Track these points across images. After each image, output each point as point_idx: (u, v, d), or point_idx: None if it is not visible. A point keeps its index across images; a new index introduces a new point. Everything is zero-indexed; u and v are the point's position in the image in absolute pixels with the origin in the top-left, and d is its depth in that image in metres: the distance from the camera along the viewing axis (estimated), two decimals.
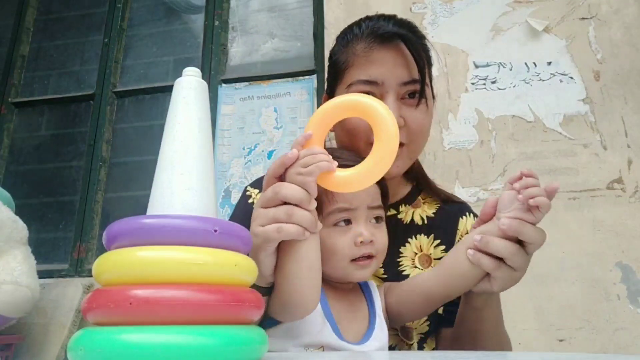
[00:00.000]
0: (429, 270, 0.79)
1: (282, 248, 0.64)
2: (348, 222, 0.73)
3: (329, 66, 0.91)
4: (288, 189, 0.60)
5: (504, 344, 0.80)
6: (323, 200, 0.72)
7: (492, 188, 1.91)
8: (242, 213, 0.89)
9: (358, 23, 0.87)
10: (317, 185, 0.64)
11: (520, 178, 0.65)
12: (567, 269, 1.77)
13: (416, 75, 0.81)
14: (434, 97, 0.90)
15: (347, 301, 0.76)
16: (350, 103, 0.65)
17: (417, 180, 0.96)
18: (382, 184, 0.77)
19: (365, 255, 0.73)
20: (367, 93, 0.78)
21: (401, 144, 0.79)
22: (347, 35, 0.86)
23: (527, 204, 0.62)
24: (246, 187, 0.96)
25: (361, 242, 0.71)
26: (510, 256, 0.65)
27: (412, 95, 0.82)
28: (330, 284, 0.76)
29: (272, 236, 0.60)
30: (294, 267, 0.63)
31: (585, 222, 1.81)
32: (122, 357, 0.35)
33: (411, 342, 0.86)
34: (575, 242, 1.79)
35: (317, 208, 0.67)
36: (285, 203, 0.61)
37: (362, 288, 0.81)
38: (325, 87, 0.93)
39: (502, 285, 0.69)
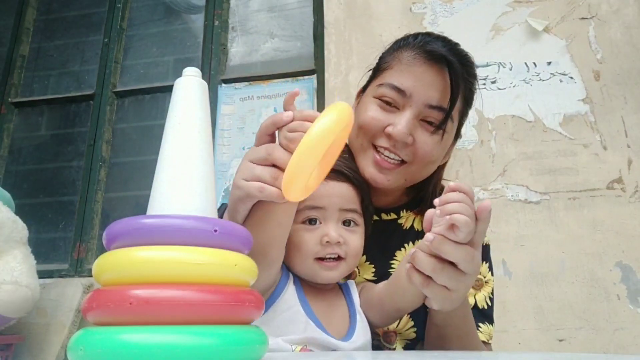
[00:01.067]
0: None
1: (259, 203, 0.63)
2: (315, 221, 0.73)
3: (376, 64, 0.89)
4: (280, 153, 0.58)
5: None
6: None
7: (492, 188, 1.91)
8: None
9: (416, 34, 0.85)
10: None
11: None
12: (567, 269, 1.77)
13: (445, 104, 0.78)
14: (458, 136, 0.87)
15: (326, 300, 0.77)
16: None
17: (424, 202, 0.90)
18: (362, 189, 0.78)
19: (333, 257, 0.73)
20: (390, 100, 0.79)
21: (403, 162, 0.79)
22: (402, 41, 0.85)
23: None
24: None
25: (327, 242, 0.72)
26: (434, 274, 0.60)
27: (432, 123, 0.79)
28: (309, 284, 0.76)
29: (253, 194, 0.58)
30: (266, 222, 0.63)
31: (585, 222, 1.81)
32: (122, 357, 0.35)
33: (393, 347, 0.86)
34: (575, 242, 1.79)
35: None
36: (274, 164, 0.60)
37: (342, 288, 0.81)
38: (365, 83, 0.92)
39: (439, 305, 0.64)
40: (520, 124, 1.97)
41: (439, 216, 0.58)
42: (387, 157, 0.79)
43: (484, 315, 0.87)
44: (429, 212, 0.62)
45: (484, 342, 0.85)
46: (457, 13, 2.16)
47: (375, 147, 0.80)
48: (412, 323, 0.86)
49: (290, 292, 0.74)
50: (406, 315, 0.84)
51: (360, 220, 0.77)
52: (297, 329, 0.70)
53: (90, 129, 2.59)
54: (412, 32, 0.88)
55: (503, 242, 1.82)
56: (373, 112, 0.80)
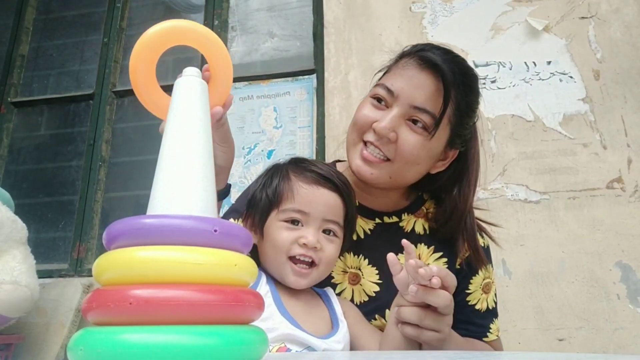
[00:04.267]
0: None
1: None
2: (298, 223, 0.77)
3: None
4: None
5: None
6: (284, 195, 0.78)
7: (492, 187, 1.91)
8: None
9: (425, 44, 0.88)
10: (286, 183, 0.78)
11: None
12: (567, 269, 1.77)
13: (430, 108, 0.81)
14: (455, 146, 0.89)
15: (302, 302, 0.79)
16: (176, 30, 0.60)
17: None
18: (349, 203, 0.81)
19: (307, 261, 0.75)
20: (380, 98, 0.85)
21: (387, 159, 0.83)
22: (410, 47, 0.88)
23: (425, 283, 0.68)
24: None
25: (304, 244, 0.75)
26: (420, 321, 0.71)
27: (416, 122, 0.82)
28: (284, 287, 0.78)
29: None
30: None
31: (585, 221, 1.81)
32: (122, 357, 0.35)
33: None
34: (575, 241, 1.79)
35: (275, 201, 0.78)
36: None
37: (321, 295, 0.83)
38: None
39: (433, 346, 0.74)
40: (520, 124, 1.97)
41: (418, 274, 0.67)
42: (372, 152, 0.84)
43: (493, 313, 0.95)
44: (399, 276, 0.72)
45: (493, 340, 0.93)
46: (457, 12, 2.16)
47: (364, 143, 0.85)
48: None
49: (262, 292, 0.74)
50: None
51: (340, 232, 0.80)
52: (272, 327, 0.70)
53: (89, 129, 2.59)
54: (417, 41, 0.94)
55: (503, 242, 1.81)
56: (365, 110, 0.86)
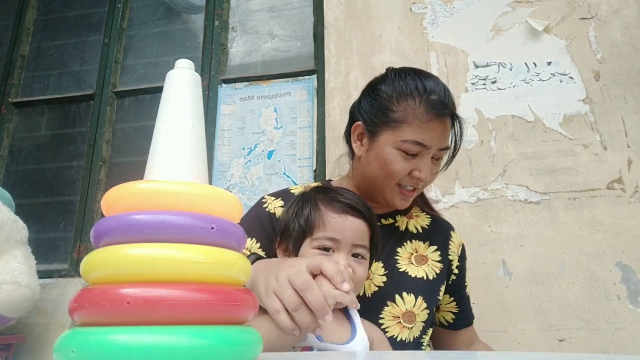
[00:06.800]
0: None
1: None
2: (329, 250, 0.82)
3: (373, 99, 1.05)
4: (316, 294, 0.65)
5: None
6: (315, 224, 0.84)
7: (492, 188, 1.91)
8: (253, 215, 1.04)
9: (416, 78, 1.00)
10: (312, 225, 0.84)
11: None
12: (567, 269, 1.77)
13: (449, 143, 1.03)
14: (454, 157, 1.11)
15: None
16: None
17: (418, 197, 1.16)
18: (373, 227, 0.89)
19: None
20: (415, 153, 0.98)
21: (414, 189, 1.02)
22: (407, 87, 0.99)
23: None
24: (263, 196, 1.10)
25: None
26: None
27: (438, 159, 1.03)
28: None
29: (269, 311, 0.66)
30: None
31: (585, 222, 1.81)
32: (119, 358, 0.34)
33: (412, 326, 0.96)
34: (575, 242, 1.79)
35: (308, 229, 0.82)
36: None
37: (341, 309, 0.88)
38: (361, 113, 1.06)
39: None
40: (520, 124, 1.97)
41: None
42: (409, 189, 1.02)
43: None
44: None
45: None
46: (457, 13, 2.16)
47: (399, 184, 1.02)
48: (425, 305, 0.99)
49: None
50: (420, 297, 0.99)
51: (367, 254, 0.87)
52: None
53: (90, 129, 2.59)
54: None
55: (503, 242, 1.82)
56: (400, 164, 0.99)
